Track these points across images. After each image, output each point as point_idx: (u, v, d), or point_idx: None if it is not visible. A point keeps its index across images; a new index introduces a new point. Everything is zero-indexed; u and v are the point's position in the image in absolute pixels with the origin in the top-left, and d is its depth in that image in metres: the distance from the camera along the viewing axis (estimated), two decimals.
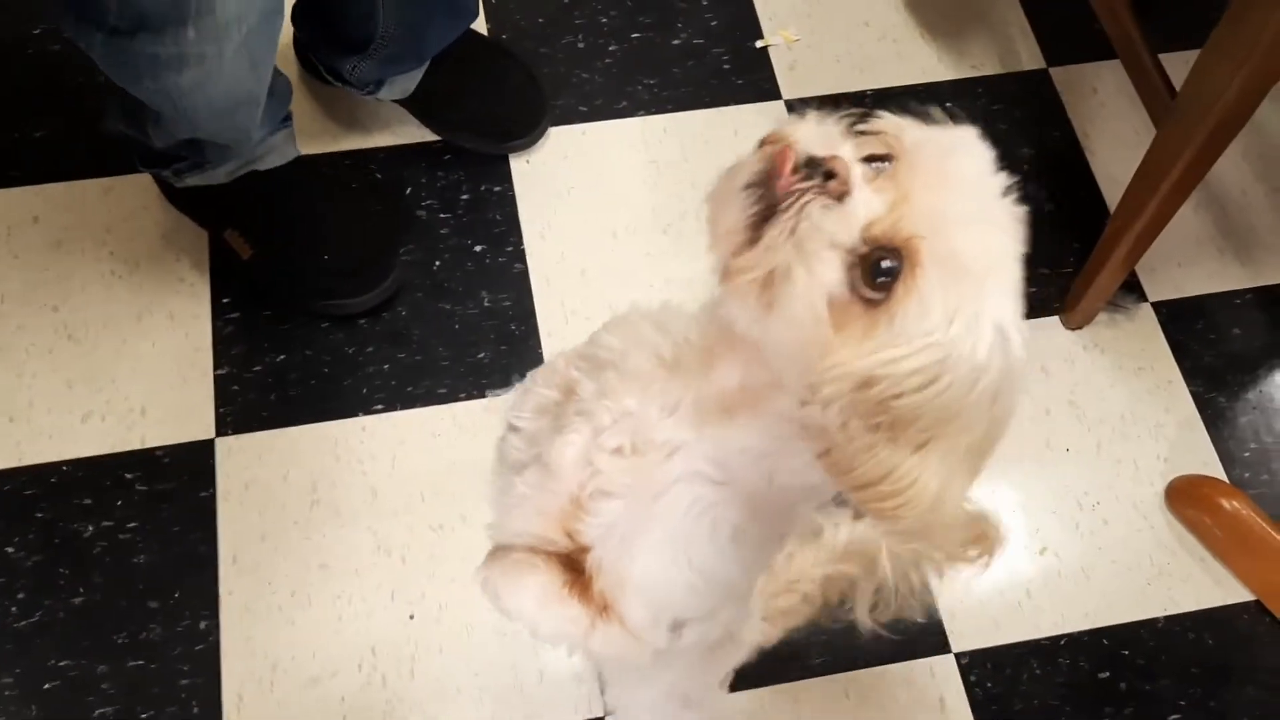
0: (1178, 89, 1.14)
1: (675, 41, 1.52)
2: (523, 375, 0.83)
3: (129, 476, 1.21)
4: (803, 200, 0.54)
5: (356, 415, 1.26)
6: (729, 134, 1.44)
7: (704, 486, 0.66)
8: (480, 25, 1.46)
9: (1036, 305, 1.36)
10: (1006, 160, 0.57)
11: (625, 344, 0.70)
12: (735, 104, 1.47)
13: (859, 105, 0.76)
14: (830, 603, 1.08)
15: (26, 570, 1.16)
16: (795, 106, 1.47)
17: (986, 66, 1.52)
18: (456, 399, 1.27)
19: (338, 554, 1.19)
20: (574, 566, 0.71)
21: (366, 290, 1.29)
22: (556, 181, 1.41)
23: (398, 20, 1.24)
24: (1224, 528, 1.20)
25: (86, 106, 1.38)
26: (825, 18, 1.54)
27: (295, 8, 1.34)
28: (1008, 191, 0.56)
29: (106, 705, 1.11)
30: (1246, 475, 1.28)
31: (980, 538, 0.63)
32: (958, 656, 1.19)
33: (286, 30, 1.17)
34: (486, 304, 1.33)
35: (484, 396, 1.27)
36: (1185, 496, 1.24)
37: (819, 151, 0.55)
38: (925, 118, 0.58)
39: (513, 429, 0.79)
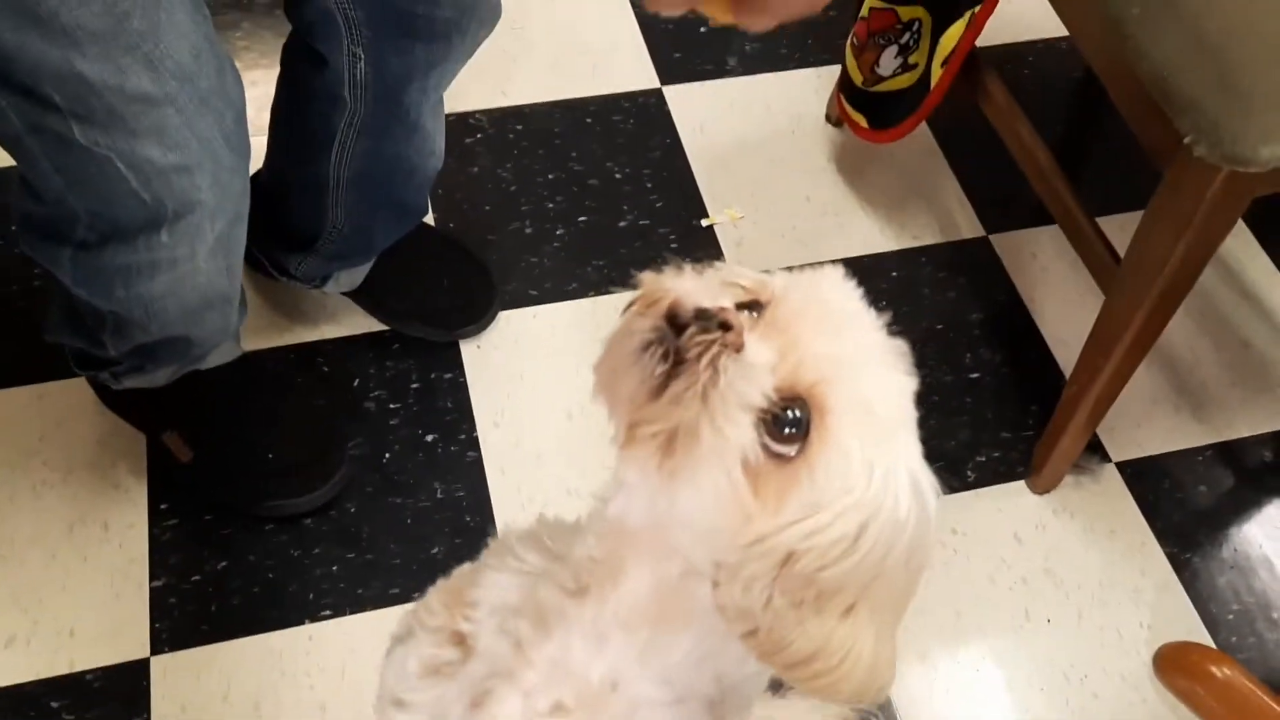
0: (1120, 252, 1.16)
1: (622, 223, 1.53)
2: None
3: (54, 705, 1.11)
4: (711, 354, 0.51)
5: (303, 623, 1.18)
6: None
7: (659, 712, 0.60)
8: (427, 215, 1.46)
9: (1002, 470, 1.34)
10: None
11: (518, 579, 0.65)
12: None
13: None
14: None
15: None
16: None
17: (927, 236, 1.55)
18: (409, 599, 1.20)
19: None
20: None
21: (312, 489, 1.24)
22: (509, 366, 1.39)
23: (346, 218, 1.23)
24: (1218, 698, 1.16)
25: (15, 311, 1.34)
26: (768, 195, 1.57)
27: None
28: (886, 327, 0.56)
29: None
30: (1234, 639, 1.24)
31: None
32: None
33: None
34: (439, 495, 1.28)
35: None
36: (1175, 665, 1.20)
37: (706, 303, 0.53)
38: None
39: (399, 705, 0.71)
